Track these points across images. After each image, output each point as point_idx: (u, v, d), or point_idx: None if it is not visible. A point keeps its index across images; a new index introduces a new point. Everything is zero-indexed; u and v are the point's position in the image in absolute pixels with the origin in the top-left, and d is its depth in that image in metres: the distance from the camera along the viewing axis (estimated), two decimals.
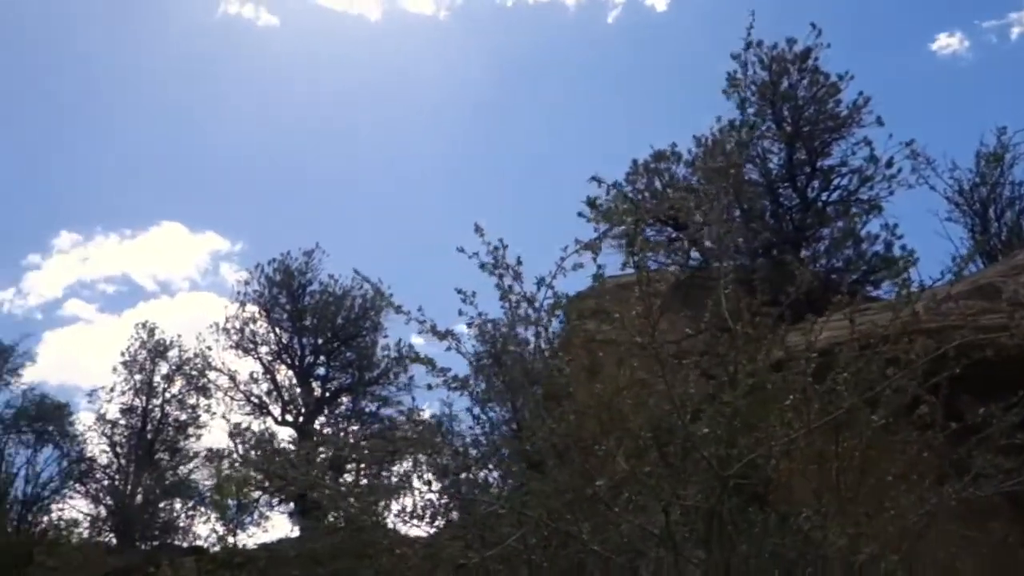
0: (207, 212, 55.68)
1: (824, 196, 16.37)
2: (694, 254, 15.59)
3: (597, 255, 6.49)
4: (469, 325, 10.41)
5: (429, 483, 8.76)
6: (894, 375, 5.89)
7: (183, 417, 25.12)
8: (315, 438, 23.26)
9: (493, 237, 8.85)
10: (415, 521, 10.68)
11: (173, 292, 51.62)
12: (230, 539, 20.77)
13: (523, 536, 6.81)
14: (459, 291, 9.65)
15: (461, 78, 50.61)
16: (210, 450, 24.12)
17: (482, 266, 8.94)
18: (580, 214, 16.23)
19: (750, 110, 16.34)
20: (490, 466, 8.58)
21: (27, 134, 49.47)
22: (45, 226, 55.78)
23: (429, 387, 9.81)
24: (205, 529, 23.14)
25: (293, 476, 11.13)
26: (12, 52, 50.33)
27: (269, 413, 24.03)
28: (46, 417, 21.97)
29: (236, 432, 22.81)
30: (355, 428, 23.96)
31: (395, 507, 10.21)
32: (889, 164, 15.41)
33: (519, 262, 8.59)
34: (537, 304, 9.11)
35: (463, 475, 8.28)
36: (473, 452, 8.04)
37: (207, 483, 23.70)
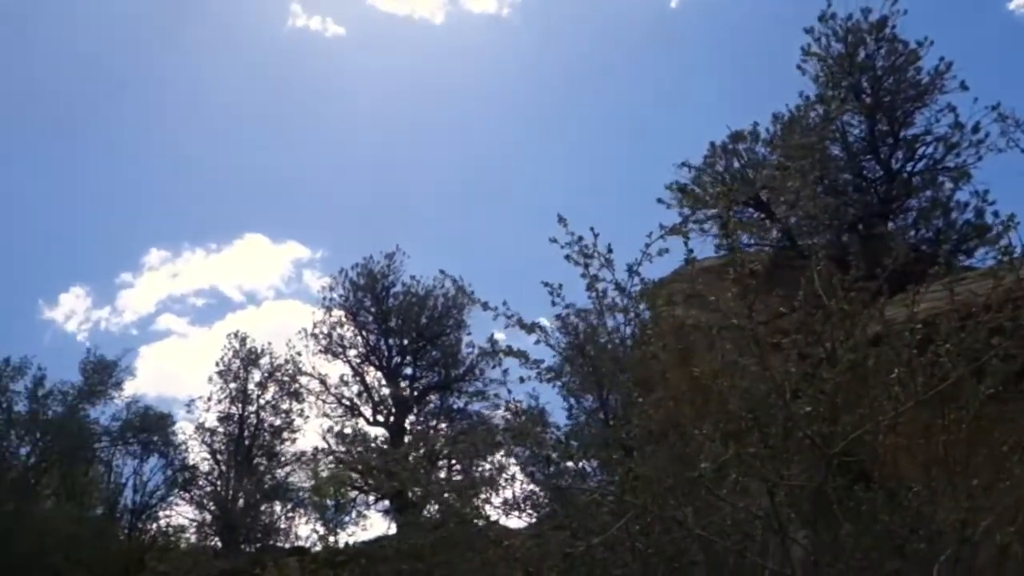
0: (288, 222, 56.75)
1: (909, 166, 15.98)
2: (777, 233, 15.40)
3: (688, 239, 6.47)
4: (558, 317, 10.48)
5: (532, 473, 8.83)
6: (1000, 344, 5.75)
7: (278, 422, 25.73)
8: (408, 436, 23.68)
9: (570, 230, 8.87)
10: (515, 512, 10.80)
11: (259, 301, 52.88)
12: (330, 539, 21.18)
13: (626, 523, 6.83)
14: (546, 284, 9.70)
15: (528, 73, 50.69)
16: (305, 453, 24.70)
17: (567, 257, 8.99)
18: (660, 200, 16.12)
19: (827, 83, 16.06)
20: (588, 455, 8.59)
21: (113, 158, 51.11)
22: (135, 245, 57.64)
23: (522, 380, 9.92)
24: (306, 530, 23.71)
25: (397, 473, 11.33)
26: (91, 79, 52.05)
27: (360, 414, 24.49)
28: (150, 428, 22.74)
29: (333, 434, 23.47)
30: (444, 425, 24.24)
31: (496, 500, 10.35)
32: (976, 129, 14.99)
33: (610, 250, 8.61)
34: (627, 291, 9.11)
35: (565, 464, 8.32)
36: (574, 443, 8.06)
37: (305, 485, 24.28)
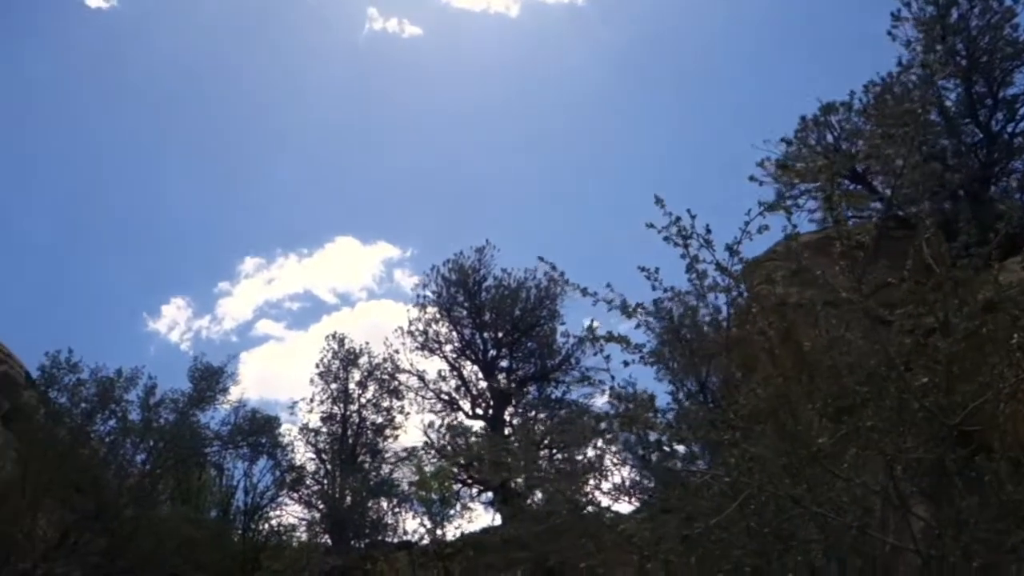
0: (376, 223, 57.72)
1: (1010, 128, 15.44)
2: (875, 204, 15.06)
3: (790, 215, 6.40)
4: (657, 301, 10.46)
5: (642, 458, 8.85)
6: None
7: (379, 420, 26.23)
8: (507, 428, 23.88)
9: (655, 217, 8.83)
10: (624, 498, 10.83)
11: (352, 303, 53.88)
12: (437, 532, 21.49)
13: (740, 504, 6.81)
14: (642, 268, 9.69)
15: (605, 60, 50.38)
16: (408, 449, 25.10)
17: (666, 239, 8.96)
18: (752, 178, 15.90)
19: (917, 48, 15.62)
20: (698, 437, 8.56)
21: (205, 170, 52.70)
22: (231, 254, 59.34)
23: (626, 363, 9.93)
24: (413, 524, 24.08)
25: (505, 463, 11.42)
26: (177, 95, 53.60)
27: (459, 408, 24.81)
28: (259, 431, 23.43)
29: (435, 429, 23.83)
30: (543, 415, 24.36)
31: (606, 485, 10.39)
32: None
33: (708, 230, 8.56)
34: (727, 271, 9.04)
35: (675, 448, 8.32)
36: (683, 426, 8.04)
37: (409, 480, 24.67)
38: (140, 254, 50.86)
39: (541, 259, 11.83)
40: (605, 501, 10.25)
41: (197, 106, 54.21)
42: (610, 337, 9.57)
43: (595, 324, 9.95)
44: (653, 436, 9.02)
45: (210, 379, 21.16)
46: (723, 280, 9.33)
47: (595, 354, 9.66)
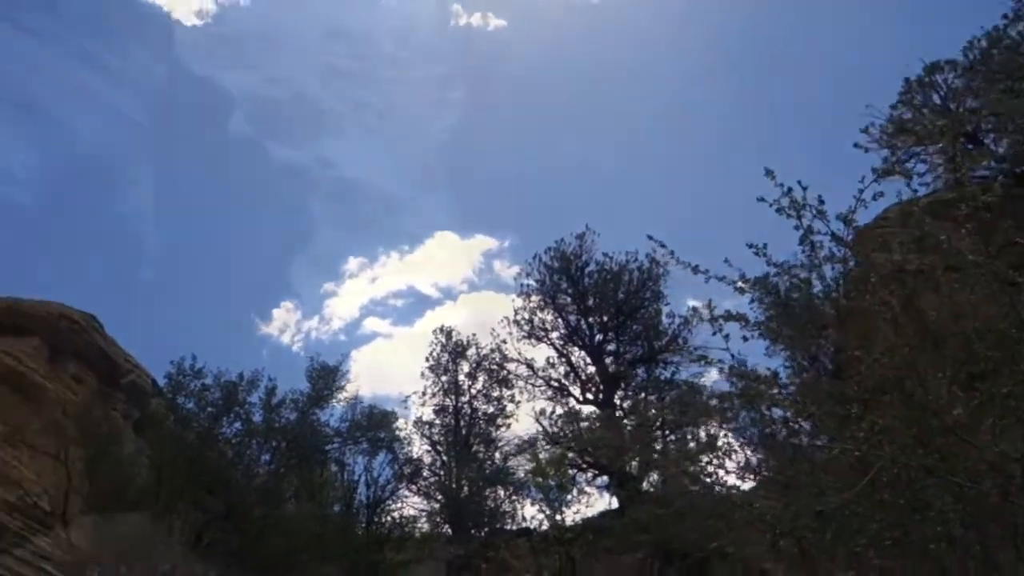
0: (473, 217, 58.33)
1: None
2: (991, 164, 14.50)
3: (909, 179, 6.25)
4: (766, 276, 10.33)
5: (770, 434, 8.77)
6: None
7: (491, 410, 26.51)
8: (619, 412, 23.86)
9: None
10: (748, 476, 10.74)
11: (455, 296, 54.56)
12: (556, 517, 21.65)
13: (872, 477, 6.71)
14: (750, 245, 9.59)
15: (690, 39, 49.73)
16: (521, 437, 25.31)
17: (779, 211, 8.84)
18: (856, 145, 15.52)
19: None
20: (822, 411, 8.44)
21: (303, 174, 54.02)
22: (335, 256, 60.74)
23: (745, 339, 9.84)
24: (531, 511, 24.31)
25: (622, 446, 11.43)
26: (270, 104, 54.89)
27: (570, 394, 24.87)
28: (376, 426, 24.03)
29: (546, 417, 23.98)
30: (654, 397, 24.25)
31: (730, 464, 10.33)
32: None
33: (821, 201, 8.43)
34: (843, 240, 8.86)
35: (800, 424, 8.23)
36: (808, 401, 7.93)
37: (525, 467, 24.90)
38: (249, 262, 52.56)
39: (650, 237, 11.78)
40: (731, 480, 10.19)
41: (294, 111, 55.51)
42: (729, 316, 9.51)
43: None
44: (778, 412, 8.94)
45: (327, 378, 21.85)
46: (837, 250, 9.17)
47: (714, 333, 9.59)
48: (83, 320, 21.69)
